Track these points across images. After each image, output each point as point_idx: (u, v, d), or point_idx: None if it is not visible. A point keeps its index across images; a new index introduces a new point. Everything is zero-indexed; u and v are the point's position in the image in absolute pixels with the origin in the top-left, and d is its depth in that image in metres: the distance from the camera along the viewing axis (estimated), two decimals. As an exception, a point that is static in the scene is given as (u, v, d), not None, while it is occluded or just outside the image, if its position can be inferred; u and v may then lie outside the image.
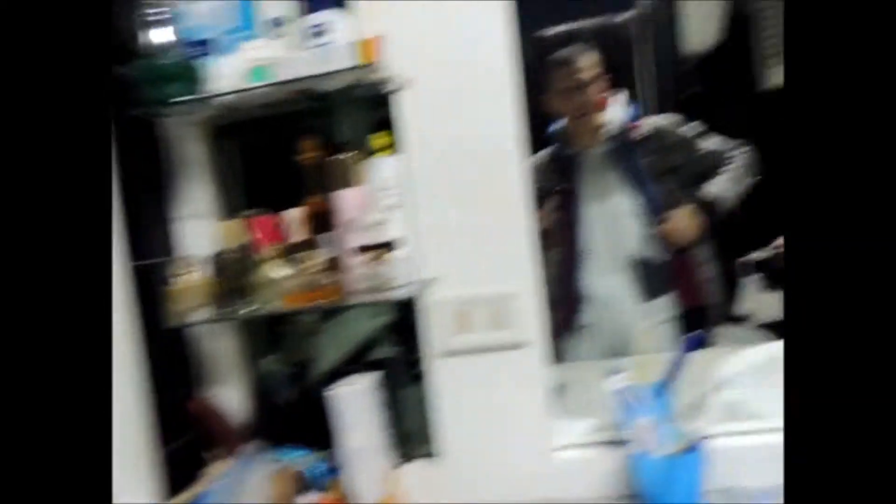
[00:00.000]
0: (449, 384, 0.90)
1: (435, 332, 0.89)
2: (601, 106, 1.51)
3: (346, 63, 0.76)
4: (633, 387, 0.81)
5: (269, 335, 1.11)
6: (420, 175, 0.87)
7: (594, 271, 1.52)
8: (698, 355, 1.29)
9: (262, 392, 1.02)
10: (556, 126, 1.57)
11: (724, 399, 0.76)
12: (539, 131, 1.64)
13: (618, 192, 1.48)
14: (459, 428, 0.91)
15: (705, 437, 0.77)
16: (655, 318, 1.49)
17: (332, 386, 0.86)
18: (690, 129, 1.49)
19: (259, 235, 0.87)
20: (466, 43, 0.84)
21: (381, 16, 0.83)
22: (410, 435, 1.04)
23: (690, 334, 0.91)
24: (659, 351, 1.09)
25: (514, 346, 0.87)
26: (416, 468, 0.93)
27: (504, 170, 0.85)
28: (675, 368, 0.93)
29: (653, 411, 0.81)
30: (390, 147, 0.88)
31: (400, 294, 0.79)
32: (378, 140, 0.87)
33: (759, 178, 1.52)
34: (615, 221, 1.48)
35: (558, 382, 1.22)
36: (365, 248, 0.80)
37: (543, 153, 1.57)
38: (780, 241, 1.55)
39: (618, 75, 2.33)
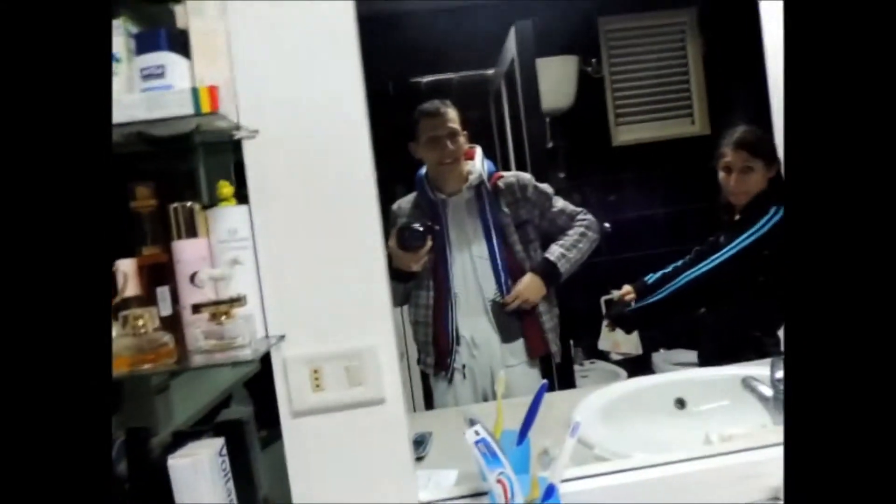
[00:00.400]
0: (305, 444, 0.85)
1: (288, 392, 0.85)
2: (466, 156, 1.58)
3: (183, 109, 0.71)
4: (489, 438, 0.81)
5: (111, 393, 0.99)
6: (268, 226, 0.83)
7: (463, 314, 1.56)
8: (561, 397, 1.35)
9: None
10: (421, 171, 1.61)
11: (567, 446, 0.78)
12: (406, 174, 1.69)
13: (478, 239, 1.55)
14: (317, 490, 0.86)
15: (559, 482, 0.79)
16: (514, 361, 1.56)
17: (170, 456, 0.77)
18: (544, 187, 1.61)
19: (82, 292, 0.78)
20: (318, 91, 0.83)
21: (224, 62, 0.79)
22: (265, 502, 0.97)
23: (542, 383, 0.94)
24: (526, 394, 1.13)
25: (372, 402, 0.85)
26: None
27: (358, 221, 0.84)
28: (531, 416, 0.95)
29: (510, 459, 0.82)
30: (236, 196, 0.83)
31: (244, 354, 0.74)
32: (223, 189, 0.82)
33: (599, 240, 1.67)
34: (476, 266, 1.55)
35: (420, 433, 1.21)
36: (205, 305, 0.74)
37: (409, 197, 1.61)
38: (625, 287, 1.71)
39: (479, 128, 2.46)
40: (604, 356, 2.13)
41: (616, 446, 1.03)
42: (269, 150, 0.83)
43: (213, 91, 0.72)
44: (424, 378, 1.71)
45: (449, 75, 2.61)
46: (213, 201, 0.83)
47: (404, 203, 1.62)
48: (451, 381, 1.58)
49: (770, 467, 0.86)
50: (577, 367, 2.27)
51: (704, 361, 1.68)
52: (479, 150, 1.62)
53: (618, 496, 0.87)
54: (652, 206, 2.52)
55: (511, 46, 2.09)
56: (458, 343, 1.57)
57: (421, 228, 1.41)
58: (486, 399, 1.58)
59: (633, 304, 1.67)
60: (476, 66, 2.55)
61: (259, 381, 1.32)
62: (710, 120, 2.56)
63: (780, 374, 1.06)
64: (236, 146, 0.84)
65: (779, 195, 1.53)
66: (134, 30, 0.81)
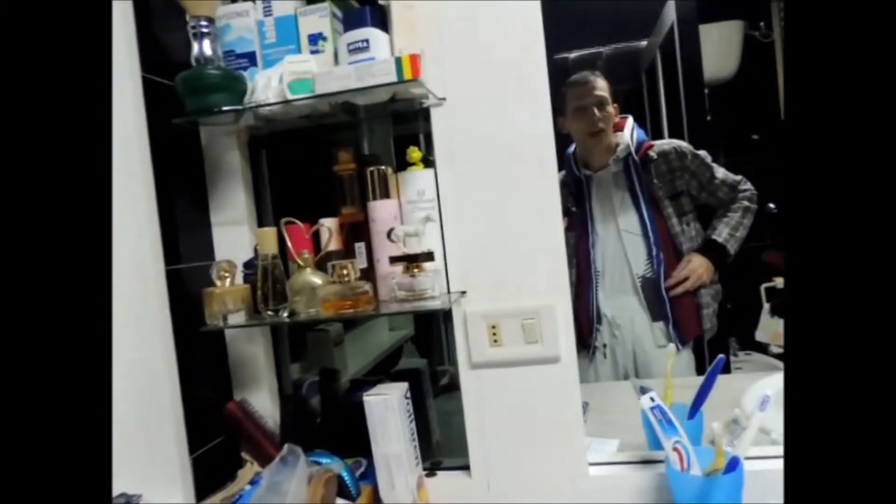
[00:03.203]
0: (481, 396, 0.90)
1: (467, 345, 0.90)
2: (615, 127, 1.54)
3: (388, 77, 0.78)
4: (664, 407, 0.81)
5: (295, 344, 1.12)
6: (452, 188, 0.88)
7: (607, 292, 1.53)
8: (717, 381, 1.28)
9: (293, 398, 1.03)
10: (570, 149, 1.60)
11: (752, 423, 0.75)
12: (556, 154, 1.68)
13: (626, 213, 1.50)
14: (490, 440, 0.90)
15: (744, 455, 0.76)
16: (662, 342, 1.50)
17: (365, 393, 0.86)
18: (702, 155, 1.51)
19: (294, 243, 0.88)
20: (499, 63, 0.86)
21: (419, 35, 0.85)
22: (441, 446, 1.04)
23: (719, 357, 0.91)
24: (673, 372, 1.10)
25: (546, 361, 0.87)
26: (446, 479, 0.92)
27: (536, 182, 0.86)
28: (705, 389, 0.93)
29: (685, 431, 0.80)
30: (425, 160, 0.89)
31: (433, 305, 0.80)
32: (413, 153, 0.88)
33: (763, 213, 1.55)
34: (624, 242, 1.50)
35: (585, 401, 1.21)
36: (399, 259, 0.81)
37: (558, 175, 1.60)
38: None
39: (632, 100, 2.37)
40: (761, 348, 1.98)
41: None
42: (455, 117, 0.88)
43: (414, 59, 0.78)
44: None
45: (598, 49, 2.54)
46: (403, 165, 0.90)
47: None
48: (592, 359, 1.57)
49: None
50: (731, 358, 2.14)
51: None
52: (630, 120, 1.56)
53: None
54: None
55: (670, 13, 1.98)
56: (598, 322, 1.55)
57: None
58: (626, 378, 1.54)
59: None
60: (628, 38, 2.45)
61: (416, 341, 1.42)
62: None
63: None
64: (425, 114, 0.90)
65: None
66: (337, 12, 0.90)
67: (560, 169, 1.61)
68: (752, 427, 0.75)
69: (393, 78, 0.78)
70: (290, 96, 0.83)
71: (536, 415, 0.88)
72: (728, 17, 2.33)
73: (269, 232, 0.85)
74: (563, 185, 1.58)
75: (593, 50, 2.53)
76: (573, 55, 2.56)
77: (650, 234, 1.48)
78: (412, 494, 0.85)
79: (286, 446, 0.79)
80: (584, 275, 1.55)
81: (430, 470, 0.94)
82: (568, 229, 1.43)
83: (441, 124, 0.88)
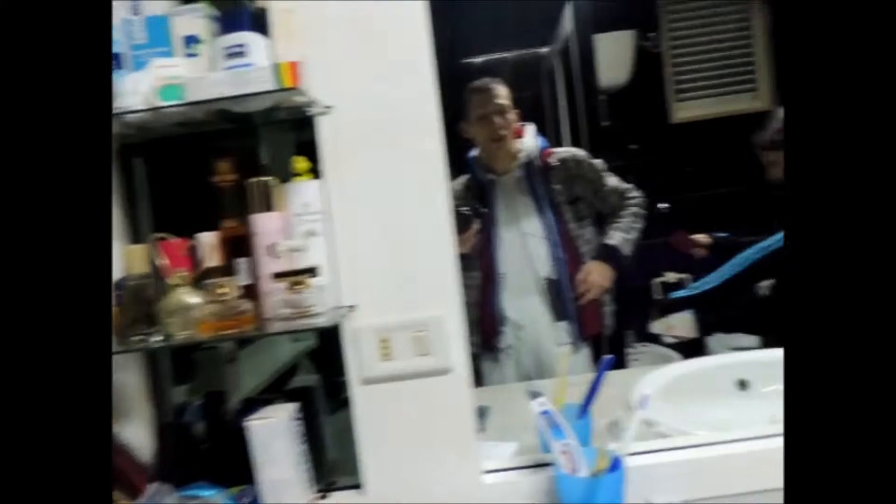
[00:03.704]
0: (372, 412, 0.89)
1: (357, 360, 0.88)
2: (516, 133, 1.58)
3: (265, 86, 0.74)
4: (554, 409, 0.82)
5: (180, 364, 1.05)
6: (341, 200, 0.86)
7: (511, 294, 1.57)
8: (613, 377, 1.34)
9: (173, 425, 0.96)
10: (473, 153, 1.61)
11: (637, 418, 0.79)
12: (457, 158, 1.70)
13: (530, 217, 1.54)
14: (384, 456, 0.89)
15: (624, 456, 0.80)
16: (566, 340, 1.55)
17: (249, 417, 0.82)
18: (597, 164, 1.59)
19: (169, 260, 0.83)
20: (389, 69, 0.85)
21: (300, 40, 0.82)
22: (333, 465, 1.01)
23: (605, 357, 0.95)
24: (572, 373, 1.14)
25: (438, 372, 0.87)
26: (339, 500, 0.90)
27: (427, 194, 0.86)
28: (594, 390, 0.96)
29: (574, 432, 0.83)
30: (311, 171, 0.86)
31: (319, 322, 0.77)
32: (299, 164, 0.85)
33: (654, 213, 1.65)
34: (527, 244, 1.54)
35: (479, 406, 1.23)
36: (283, 275, 0.78)
37: (461, 179, 1.61)
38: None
39: (532, 106, 2.44)
40: (656, 339, 2.10)
41: (678, 423, 1.03)
42: (342, 125, 0.85)
43: (293, 67, 0.75)
44: (473, 357, 1.73)
45: (502, 55, 2.59)
46: (289, 176, 0.86)
47: (456, 185, 1.62)
48: (497, 360, 1.60)
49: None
50: (628, 350, 2.25)
51: (769, 344, 1.64)
52: (530, 128, 1.61)
53: (680, 472, 0.87)
54: (712, 185, 2.44)
55: (567, 23, 2.05)
56: (503, 324, 1.58)
57: (467, 212, 1.41)
58: (529, 379, 1.57)
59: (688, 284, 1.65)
60: (530, 45, 2.52)
61: (319, 354, 1.38)
62: (775, 93, 2.45)
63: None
64: (310, 122, 0.87)
65: None
66: (214, 13, 0.85)
67: (463, 173, 1.63)
68: (633, 426, 0.79)
69: (270, 86, 0.74)
70: (158, 103, 0.77)
71: (430, 427, 0.88)
72: (621, 27, 2.45)
73: (137, 250, 0.79)
74: (468, 188, 1.60)
75: (499, 55, 2.58)
76: (479, 60, 2.60)
77: (554, 236, 1.54)
78: (301, 519, 0.82)
79: (153, 485, 0.74)
80: (488, 278, 1.57)
81: (323, 491, 0.91)
82: (473, 233, 1.45)
83: (328, 134, 0.86)
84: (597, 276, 1.52)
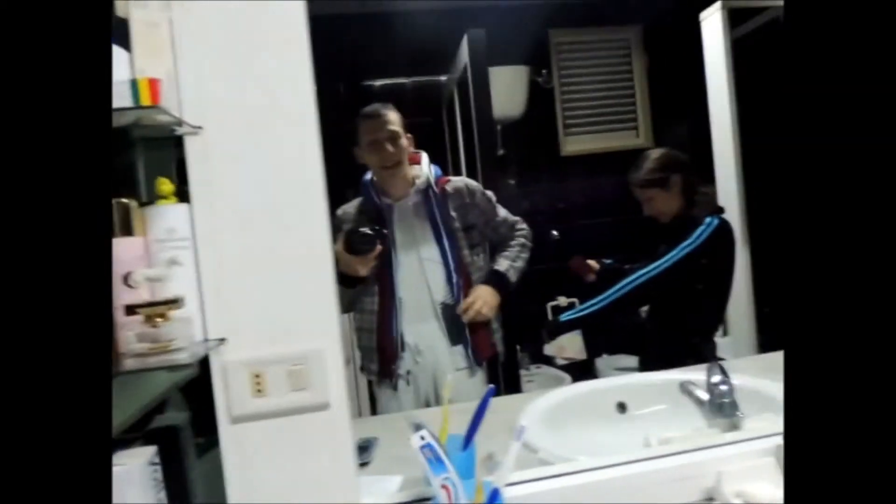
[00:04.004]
0: (244, 451, 0.83)
1: (226, 397, 0.82)
2: (412, 160, 1.58)
3: (121, 102, 0.68)
4: (434, 442, 0.81)
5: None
6: (210, 226, 0.80)
7: (409, 319, 1.55)
8: (506, 401, 1.35)
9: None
10: (367, 176, 1.60)
11: (513, 450, 0.79)
12: (351, 180, 1.68)
13: (427, 241, 1.55)
14: (257, 498, 0.83)
15: (503, 486, 0.79)
16: (461, 365, 1.56)
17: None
18: (489, 195, 1.65)
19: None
20: (265, 89, 0.81)
21: (167, 56, 0.76)
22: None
23: (489, 387, 0.95)
24: (468, 398, 1.13)
25: (315, 408, 0.83)
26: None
27: (304, 222, 0.82)
28: (477, 421, 0.96)
29: (457, 464, 0.81)
30: (177, 195, 0.80)
31: (181, 358, 0.71)
32: (163, 186, 0.79)
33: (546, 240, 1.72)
34: (424, 269, 1.55)
35: (365, 438, 1.19)
36: (139, 307, 0.71)
37: (354, 202, 1.59)
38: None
39: (430, 132, 2.47)
40: (549, 361, 2.17)
41: (560, 450, 1.05)
42: (213, 147, 0.80)
43: (153, 84, 0.69)
44: (371, 384, 1.69)
45: (402, 80, 2.61)
46: (152, 199, 0.80)
47: (349, 208, 1.60)
48: (395, 387, 1.57)
49: (704, 469, 0.89)
50: (523, 372, 2.30)
51: (645, 367, 1.74)
52: (424, 155, 1.63)
53: (562, 498, 0.88)
54: (598, 214, 2.59)
55: (464, 53, 2.11)
56: (402, 349, 1.56)
57: (371, 232, 1.40)
58: (428, 405, 1.58)
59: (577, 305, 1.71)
60: (429, 72, 2.56)
61: (197, 387, 1.28)
62: (654, 132, 2.66)
63: (715, 378, 1.10)
64: (178, 142, 0.81)
65: (707, 205, 1.63)
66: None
67: (357, 195, 1.61)
68: (511, 458, 0.79)
69: (127, 103, 0.68)
70: None
71: (306, 466, 0.83)
72: (515, 62, 2.55)
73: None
74: (361, 212, 1.58)
75: (398, 80, 2.60)
76: (378, 83, 2.60)
77: (450, 262, 1.55)
78: (159, 576, 0.74)
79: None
80: (387, 302, 1.55)
81: (190, 541, 0.83)
82: (370, 257, 1.42)
83: (197, 155, 0.80)
84: (483, 299, 1.54)
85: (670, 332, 1.68)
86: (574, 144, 2.67)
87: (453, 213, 1.57)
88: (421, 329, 1.57)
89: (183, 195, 0.81)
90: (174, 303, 0.72)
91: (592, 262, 1.85)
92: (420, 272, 1.56)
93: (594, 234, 2.54)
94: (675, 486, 0.90)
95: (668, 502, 0.88)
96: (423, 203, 1.57)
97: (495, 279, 1.57)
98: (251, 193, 0.81)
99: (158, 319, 0.71)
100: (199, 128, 0.80)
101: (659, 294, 1.61)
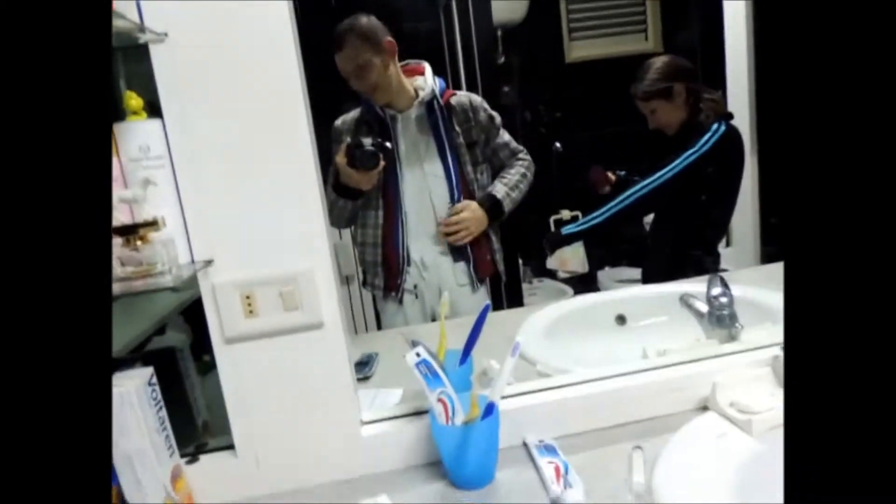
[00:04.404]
0: (240, 371, 0.83)
1: (219, 318, 0.81)
2: (415, 71, 1.51)
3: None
4: (430, 358, 0.81)
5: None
6: (187, 143, 0.76)
7: (414, 233, 1.54)
8: (508, 315, 1.35)
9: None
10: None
11: (504, 369, 0.79)
12: (350, 92, 1.60)
13: (431, 156, 1.50)
14: (257, 416, 0.84)
15: (499, 400, 0.80)
16: (464, 281, 1.56)
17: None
18: (493, 114, 1.57)
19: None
20: (236, -9, 0.74)
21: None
22: (203, 428, 0.95)
23: (485, 303, 0.94)
24: (469, 313, 1.13)
25: (309, 328, 0.82)
26: (211, 462, 0.85)
27: (287, 136, 0.78)
28: (473, 336, 0.96)
29: (453, 379, 0.82)
30: (147, 109, 0.75)
31: (164, 281, 0.69)
32: (131, 100, 0.74)
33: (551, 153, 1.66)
34: (430, 183, 1.51)
35: (365, 353, 1.21)
36: (117, 230, 0.69)
37: (353, 113, 1.52)
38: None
39: (430, 43, 2.34)
40: (552, 274, 2.17)
41: (557, 362, 1.06)
42: (182, 56, 0.74)
43: (106, -16, 0.63)
44: (375, 298, 1.70)
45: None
46: (121, 115, 0.75)
47: (348, 118, 1.53)
48: (401, 301, 1.58)
49: (700, 380, 0.90)
50: (525, 286, 2.31)
51: (647, 279, 1.73)
52: (427, 67, 1.54)
53: (559, 410, 0.89)
54: (604, 125, 2.49)
55: (461, -48, 1.95)
56: (408, 264, 1.55)
57: (373, 147, 1.34)
58: (433, 319, 1.59)
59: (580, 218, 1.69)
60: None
61: (197, 308, 1.29)
62: (664, 36, 2.51)
63: (715, 290, 1.09)
64: (143, 52, 0.75)
65: (714, 112, 1.56)
66: None
67: (354, 105, 1.53)
68: (505, 373, 0.79)
69: (80, 6, 0.62)
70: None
71: (303, 384, 0.84)
72: (516, -41, 2.37)
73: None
74: (362, 122, 1.51)
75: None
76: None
77: (453, 178, 1.51)
78: (165, 489, 0.76)
79: None
80: (391, 216, 1.52)
81: (193, 455, 0.86)
82: (373, 169, 1.38)
83: (164, 66, 0.74)
84: (470, 218, 1.52)
85: (673, 243, 1.66)
86: (579, 50, 2.53)
87: (457, 129, 1.51)
88: (426, 244, 1.56)
89: (155, 110, 0.76)
90: (153, 224, 0.69)
91: (610, 174, 1.80)
92: (424, 187, 1.52)
93: (600, 146, 2.45)
94: (670, 396, 0.91)
95: (664, 413, 0.89)
96: (426, 116, 1.50)
97: (489, 204, 1.54)
98: (227, 107, 0.76)
99: (139, 242, 0.69)
100: (164, 34, 0.74)
101: (663, 205, 1.57)
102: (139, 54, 0.76)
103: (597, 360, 1.03)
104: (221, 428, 0.92)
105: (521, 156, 1.62)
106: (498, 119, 1.58)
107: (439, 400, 0.81)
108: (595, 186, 1.80)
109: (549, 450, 0.83)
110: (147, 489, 0.75)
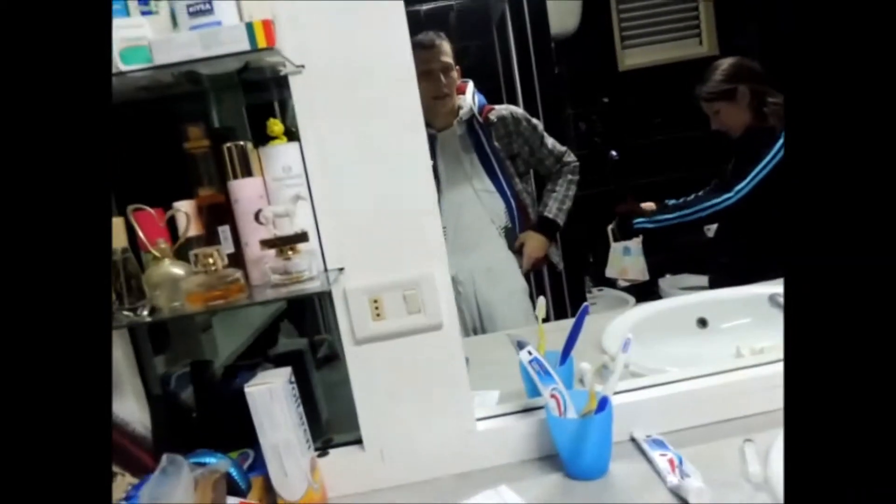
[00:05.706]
0: (367, 371, 0.90)
1: (349, 321, 0.88)
2: (458, 90, 1.58)
3: (239, 46, 0.70)
4: (539, 357, 0.86)
5: (156, 335, 1.02)
6: (320, 162, 0.84)
7: (452, 249, 1.59)
8: (565, 326, 1.39)
9: (163, 397, 0.95)
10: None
11: (621, 361, 0.83)
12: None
13: (479, 172, 1.57)
14: (381, 412, 0.91)
15: (612, 394, 0.84)
16: (522, 290, 1.61)
17: (247, 384, 0.81)
18: (535, 122, 1.63)
19: (146, 232, 0.79)
20: (361, 22, 0.82)
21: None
22: (328, 424, 1.02)
23: (584, 304, 0.99)
24: (532, 320, 1.17)
25: (429, 329, 0.89)
26: (340, 456, 0.92)
27: (406, 151, 0.85)
28: (573, 337, 1.00)
29: (560, 377, 0.87)
30: (287, 134, 0.84)
31: (313, 287, 0.77)
32: (274, 126, 0.82)
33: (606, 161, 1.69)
34: (482, 199, 1.57)
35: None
36: (273, 242, 0.76)
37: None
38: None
39: (480, 58, 2.40)
40: (612, 283, 2.19)
41: (649, 362, 1.09)
42: (315, 84, 0.83)
43: (267, 25, 0.71)
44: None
45: (448, 2, 2.52)
46: (261, 139, 0.84)
47: None
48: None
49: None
50: (586, 296, 2.34)
51: (716, 284, 1.74)
52: (470, 84, 1.62)
53: (664, 406, 0.93)
54: (660, 132, 2.51)
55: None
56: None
57: None
58: (475, 332, 1.61)
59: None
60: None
61: (292, 316, 1.37)
62: (719, 39, 2.51)
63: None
64: (280, 82, 0.83)
65: (779, 117, 1.56)
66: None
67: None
68: (618, 368, 0.83)
69: (245, 46, 0.71)
70: (123, 67, 0.73)
71: (424, 381, 0.90)
72: (568, -28, 2.42)
73: (114, 223, 0.75)
74: None
75: (444, 3, 2.51)
76: (424, 8, 2.52)
77: (506, 191, 1.57)
78: (306, 479, 0.83)
79: (165, 457, 0.73)
80: None
81: (323, 449, 0.93)
82: None
83: (302, 94, 0.83)
84: (533, 248, 1.58)
85: (743, 250, 1.66)
86: (633, 58, 2.56)
87: (496, 143, 1.57)
88: (466, 259, 1.59)
89: (290, 135, 0.85)
90: (303, 236, 0.77)
91: (648, 204, 1.80)
92: (477, 202, 1.58)
93: (657, 153, 2.47)
94: (768, 394, 0.93)
95: (768, 409, 0.92)
96: (467, 134, 1.57)
97: (545, 226, 1.59)
98: (354, 128, 0.84)
99: (290, 252, 0.77)
100: (302, 66, 0.82)
101: (738, 220, 1.58)
102: (275, 85, 0.84)
103: (687, 361, 1.07)
104: (340, 424, 0.99)
105: (565, 158, 1.65)
106: (540, 127, 1.63)
107: (552, 395, 0.86)
108: (627, 218, 1.81)
109: (659, 444, 0.87)
110: (291, 478, 0.82)
